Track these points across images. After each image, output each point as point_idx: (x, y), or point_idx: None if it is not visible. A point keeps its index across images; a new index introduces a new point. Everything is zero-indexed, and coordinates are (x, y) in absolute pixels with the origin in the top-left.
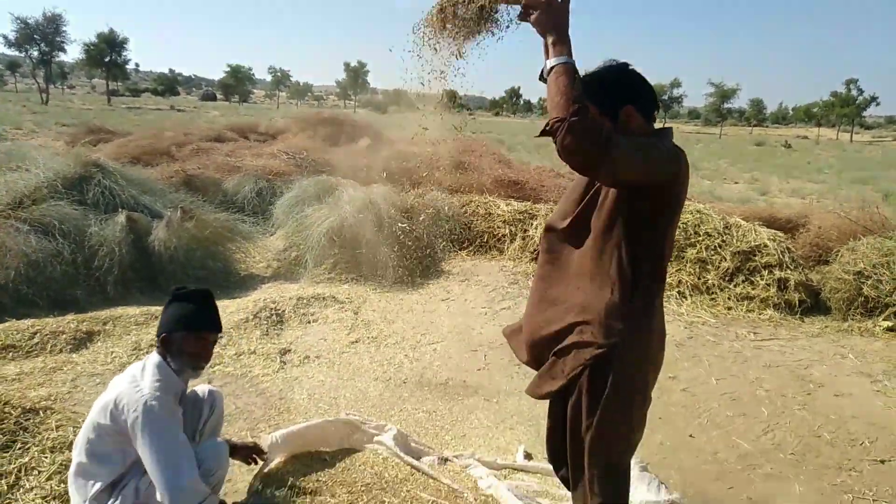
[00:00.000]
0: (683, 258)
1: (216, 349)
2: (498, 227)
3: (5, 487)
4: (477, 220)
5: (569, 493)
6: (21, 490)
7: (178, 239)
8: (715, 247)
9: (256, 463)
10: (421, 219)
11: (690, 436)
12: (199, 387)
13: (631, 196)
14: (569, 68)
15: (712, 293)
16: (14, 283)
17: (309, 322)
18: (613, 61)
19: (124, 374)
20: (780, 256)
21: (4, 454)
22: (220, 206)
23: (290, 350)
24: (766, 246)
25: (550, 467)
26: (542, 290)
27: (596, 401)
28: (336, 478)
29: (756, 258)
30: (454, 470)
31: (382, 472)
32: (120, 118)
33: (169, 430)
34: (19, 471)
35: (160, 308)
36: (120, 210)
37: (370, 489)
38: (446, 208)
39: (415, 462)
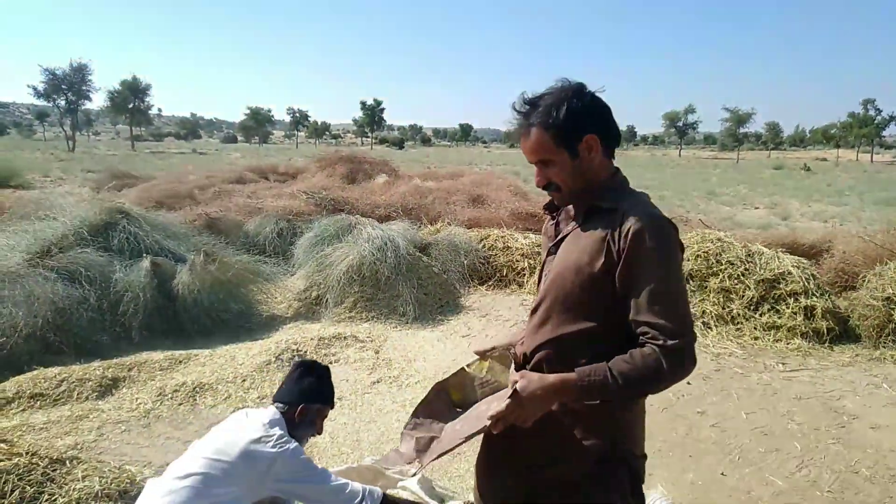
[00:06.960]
0: (706, 288)
1: (239, 392)
2: (517, 261)
3: None
4: (496, 253)
5: None
6: None
7: (202, 282)
8: (738, 275)
9: None
10: (439, 255)
11: (722, 474)
12: None
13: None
14: (606, 376)
15: (738, 323)
16: (42, 331)
17: (330, 363)
18: (566, 80)
19: (248, 420)
20: (806, 284)
21: None
22: (242, 247)
23: None
24: (790, 273)
25: None
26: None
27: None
28: None
29: (781, 286)
30: None
31: None
32: (144, 163)
33: (313, 465)
34: None
35: (184, 352)
36: (144, 255)
37: None
38: (464, 243)
39: None
